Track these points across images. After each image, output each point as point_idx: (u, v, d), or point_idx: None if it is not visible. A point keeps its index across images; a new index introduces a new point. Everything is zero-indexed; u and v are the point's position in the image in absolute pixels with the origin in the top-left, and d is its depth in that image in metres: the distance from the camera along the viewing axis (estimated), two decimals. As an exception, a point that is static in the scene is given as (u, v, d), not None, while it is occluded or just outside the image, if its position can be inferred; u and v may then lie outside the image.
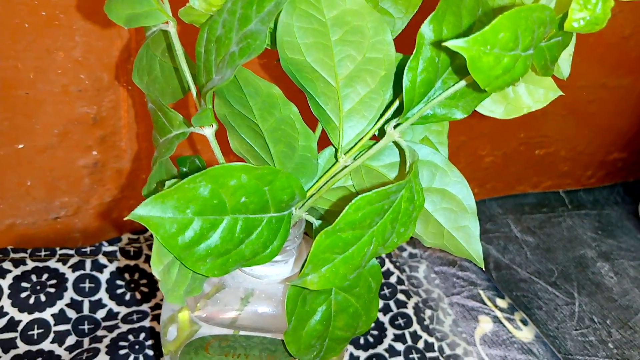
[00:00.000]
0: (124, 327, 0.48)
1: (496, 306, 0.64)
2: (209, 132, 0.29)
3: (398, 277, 0.61)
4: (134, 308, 0.51)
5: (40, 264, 0.51)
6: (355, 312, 0.32)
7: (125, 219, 0.23)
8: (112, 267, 0.53)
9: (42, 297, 0.49)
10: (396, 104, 0.29)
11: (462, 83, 0.26)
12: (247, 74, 0.27)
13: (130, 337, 0.47)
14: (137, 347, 0.47)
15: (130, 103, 0.50)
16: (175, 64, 0.33)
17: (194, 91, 0.28)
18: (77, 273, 0.52)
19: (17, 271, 0.50)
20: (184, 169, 0.34)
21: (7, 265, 0.50)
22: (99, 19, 0.45)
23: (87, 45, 0.45)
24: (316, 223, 0.32)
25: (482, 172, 0.77)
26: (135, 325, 0.49)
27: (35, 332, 0.47)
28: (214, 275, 0.26)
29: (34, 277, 0.50)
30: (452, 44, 0.19)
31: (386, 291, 0.59)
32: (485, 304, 0.64)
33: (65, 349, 0.46)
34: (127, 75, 0.49)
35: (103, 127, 0.51)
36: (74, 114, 0.49)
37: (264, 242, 0.28)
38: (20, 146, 0.49)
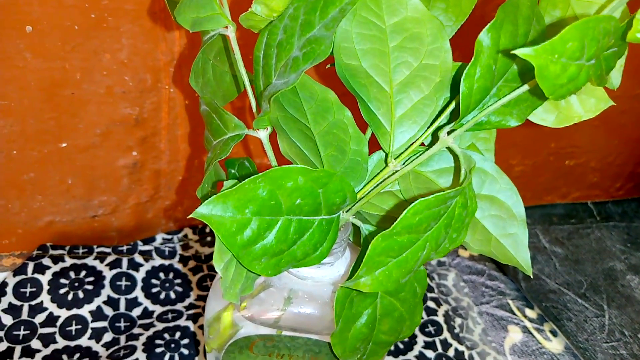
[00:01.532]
0: (160, 326, 0.49)
1: (525, 316, 0.63)
2: (263, 134, 0.29)
3: (428, 284, 0.61)
4: (169, 307, 0.52)
5: (78, 262, 0.52)
6: (400, 316, 0.32)
7: (188, 217, 0.24)
8: (147, 266, 0.54)
9: (80, 294, 0.50)
10: (448, 110, 0.29)
11: (519, 90, 0.26)
12: (305, 79, 0.28)
13: (166, 335, 0.48)
14: (172, 345, 0.47)
15: (171, 105, 0.51)
16: (226, 68, 0.34)
17: (251, 95, 0.29)
18: (114, 271, 0.52)
19: (56, 267, 0.51)
20: (233, 171, 0.35)
21: (46, 261, 0.52)
22: (145, 22, 0.46)
23: (133, 48, 0.46)
24: (363, 227, 0.32)
25: (512, 181, 0.77)
26: (171, 324, 0.49)
27: (74, 328, 0.48)
28: (268, 274, 0.27)
29: (72, 274, 0.51)
30: (521, 52, 0.20)
31: (416, 298, 0.59)
32: (514, 313, 0.63)
33: (102, 346, 0.47)
34: (170, 77, 0.49)
35: (144, 128, 0.52)
36: (116, 115, 0.50)
37: (314, 244, 0.28)
38: (64, 145, 0.50)
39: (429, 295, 0.60)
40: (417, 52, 0.27)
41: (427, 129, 0.30)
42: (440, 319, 0.57)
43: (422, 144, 0.31)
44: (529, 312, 0.64)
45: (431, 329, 0.55)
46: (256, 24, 0.29)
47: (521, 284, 0.70)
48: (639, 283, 0.74)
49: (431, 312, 0.57)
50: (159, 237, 0.58)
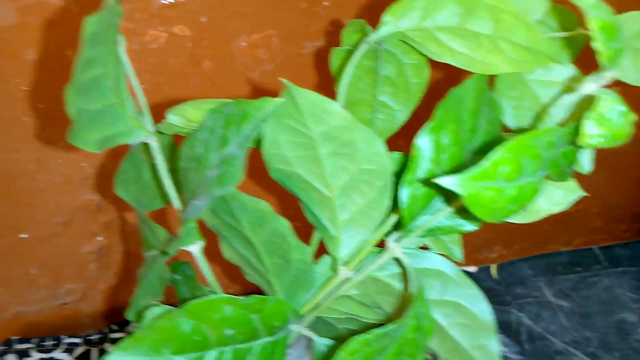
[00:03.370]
0: None
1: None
2: (194, 249, 0.27)
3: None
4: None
5: (45, 356, 0.50)
6: None
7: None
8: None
9: (45, 394, 0.47)
10: (396, 213, 0.26)
11: (450, 210, 0.23)
12: (233, 191, 0.25)
13: None
14: None
15: (133, 188, 0.49)
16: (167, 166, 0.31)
17: (177, 205, 0.26)
18: (82, 365, 0.49)
19: (20, 364, 0.48)
20: (177, 276, 0.32)
21: (11, 358, 0.49)
22: (100, 107, 0.44)
23: (88, 134, 0.45)
24: (316, 340, 0.29)
25: (509, 232, 0.73)
26: None
27: None
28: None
29: (37, 371, 0.48)
30: (444, 183, 0.17)
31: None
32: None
33: None
34: (130, 160, 0.47)
35: (108, 213, 0.49)
36: (77, 202, 0.48)
37: (257, 371, 0.25)
38: (24, 235, 0.48)
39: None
40: (352, 157, 0.24)
41: (376, 231, 0.27)
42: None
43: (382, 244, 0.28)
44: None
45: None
46: (179, 130, 0.26)
47: (525, 346, 0.65)
48: (654, 336, 0.69)
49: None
50: (134, 320, 0.55)
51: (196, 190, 0.24)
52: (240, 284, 0.57)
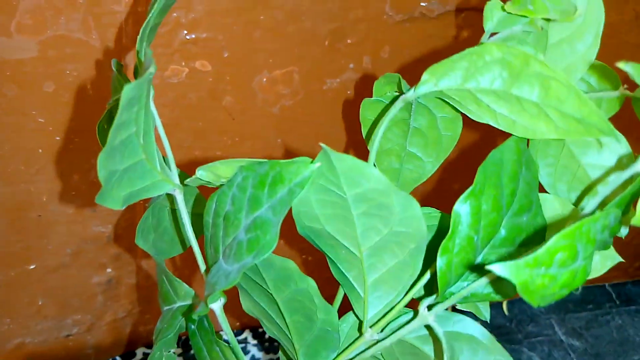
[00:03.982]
0: None
1: None
2: (216, 306, 0.26)
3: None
4: None
5: (48, 389, 0.48)
6: None
7: None
8: (122, 392, 0.50)
9: None
10: (427, 275, 0.25)
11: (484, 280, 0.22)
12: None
13: None
14: None
15: (146, 220, 0.48)
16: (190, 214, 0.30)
17: (202, 267, 0.25)
18: (85, 401, 0.48)
19: (22, 398, 0.47)
20: (192, 327, 0.31)
21: (12, 391, 0.47)
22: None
23: (103, 167, 0.44)
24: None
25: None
26: None
27: None
28: None
29: (39, 406, 0.47)
30: (498, 272, 0.16)
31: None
32: None
33: None
34: (144, 192, 0.47)
35: (118, 246, 0.48)
36: (87, 234, 0.47)
37: None
38: (32, 266, 0.47)
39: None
40: (386, 219, 0.23)
41: (406, 294, 0.26)
42: None
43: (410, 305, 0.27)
44: None
45: None
46: (207, 184, 0.26)
47: (537, 389, 0.64)
48: (668, 380, 0.68)
49: None
50: (140, 352, 0.54)
51: (224, 251, 0.23)
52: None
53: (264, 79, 0.44)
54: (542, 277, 0.16)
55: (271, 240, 0.20)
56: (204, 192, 0.29)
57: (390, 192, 0.22)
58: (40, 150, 0.42)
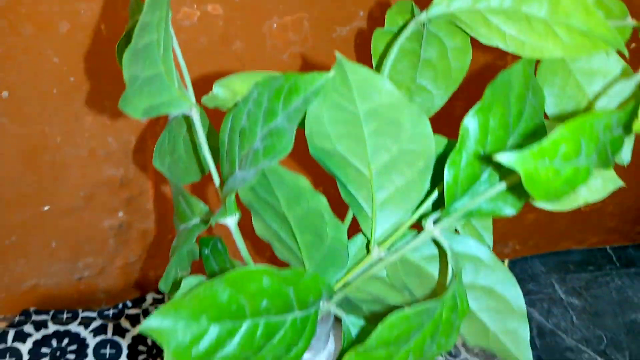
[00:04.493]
0: (143, 401, 0.46)
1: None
2: (231, 222, 0.27)
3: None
4: (155, 379, 0.49)
5: (62, 328, 0.50)
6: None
7: (135, 334, 0.21)
8: (134, 331, 0.51)
9: (62, 365, 0.47)
10: (434, 194, 0.26)
11: (500, 186, 0.23)
12: (274, 165, 0.25)
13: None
14: None
15: (157, 165, 0.49)
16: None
17: (216, 179, 0.26)
18: (99, 338, 0.50)
19: (37, 335, 0.49)
20: (206, 251, 0.32)
21: (28, 328, 0.49)
22: (128, 82, 0.44)
23: (116, 110, 0.45)
24: (346, 319, 0.29)
25: (524, 228, 0.73)
26: (155, 399, 0.46)
27: (52, 403, 0.45)
28: (231, 388, 0.24)
29: (54, 342, 0.49)
30: (504, 160, 0.17)
31: None
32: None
33: None
34: (155, 137, 0.47)
35: (130, 189, 0.49)
36: (100, 177, 0.48)
37: (287, 346, 0.25)
38: (46, 208, 0.48)
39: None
40: (396, 137, 0.24)
41: (413, 213, 0.27)
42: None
43: (416, 226, 0.28)
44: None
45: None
46: (223, 104, 0.26)
47: (535, 341, 0.65)
48: (664, 338, 0.69)
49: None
50: (150, 297, 0.56)
51: (239, 162, 0.24)
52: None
53: (274, 25, 0.44)
54: (546, 169, 0.17)
55: (287, 144, 0.21)
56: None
57: (402, 106, 0.22)
58: (55, 91, 0.42)
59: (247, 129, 0.23)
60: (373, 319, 0.26)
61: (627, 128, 0.20)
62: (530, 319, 0.69)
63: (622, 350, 0.67)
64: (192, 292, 0.22)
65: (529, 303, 0.71)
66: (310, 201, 0.26)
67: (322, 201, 0.26)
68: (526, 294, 0.73)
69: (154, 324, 0.21)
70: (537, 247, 0.77)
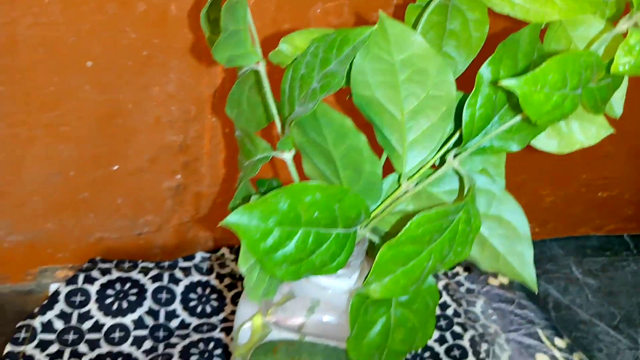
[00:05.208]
0: (195, 337, 0.53)
1: (554, 345, 0.63)
2: (288, 156, 0.33)
3: (455, 310, 0.62)
4: (205, 320, 0.55)
5: (124, 275, 0.57)
6: (412, 327, 0.34)
7: (218, 225, 0.27)
8: (186, 281, 0.58)
9: (124, 304, 0.54)
10: (456, 136, 0.32)
11: (518, 118, 0.29)
12: (324, 107, 0.31)
13: (201, 345, 0.51)
14: (206, 355, 0.51)
15: (212, 133, 0.56)
16: (260, 99, 0.38)
17: (278, 122, 0.32)
18: (156, 284, 0.57)
19: (103, 279, 0.56)
20: (262, 190, 0.38)
21: (95, 273, 0.56)
22: (191, 59, 0.51)
23: (179, 82, 0.52)
24: (378, 242, 0.35)
25: (543, 211, 0.78)
26: (205, 335, 0.53)
27: (117, 335, 0.52)
28: (288, 279, 0.30)
29: (118, 286, 0.56)
30: (506, 84, 0.23)
31: (442, 323, 0.60)
32: (543, 342, 0.64)
33: (142, 352, 0.51)
34: (212, 108, 0.54)
35: (187, 154, 0.56)
36: (163, 142, 0.55)
37: (331, 255, 0.31)
38: (115, 168, 0.55)
39: (456, 320, 0.61)
40: (424, 84, 0.30)
41: (437, 152, 0.32)
42: (466, 343, 0.58)
43: (433, 166, 0.34)
44: (558, 342, 0.64)
45: (456, 352, 0.57)
46: (284, 61, 0.33)
47: (551, 314, 0.70)
48: (677, 318, 0.73)
49: (457, 336, 0.59)
50: (199, 256, 0.62)
51: (299, 103, 0.30)
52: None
53: (318, 10, 0.51)
54: (538, 93, 0.23)
55: (339, 82, 0.27)
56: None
57: (430, 56, 0.28)
58: (129, 63, 0.50)
59: (306, 75, 0.30)
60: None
61: (608, 72, 0.26)
62: (547, 294, 0.73)
63: (635, 326, 0.71)
64: (263, 198, 0.28)
65: (546, 281, 0.75)
66: (352, 139, 0.32)
67: (362, 139, 0.32)
68: (544, 272, 0.77)
69: (233, 219, 0.28)
70: (556, 231, 0.81)
